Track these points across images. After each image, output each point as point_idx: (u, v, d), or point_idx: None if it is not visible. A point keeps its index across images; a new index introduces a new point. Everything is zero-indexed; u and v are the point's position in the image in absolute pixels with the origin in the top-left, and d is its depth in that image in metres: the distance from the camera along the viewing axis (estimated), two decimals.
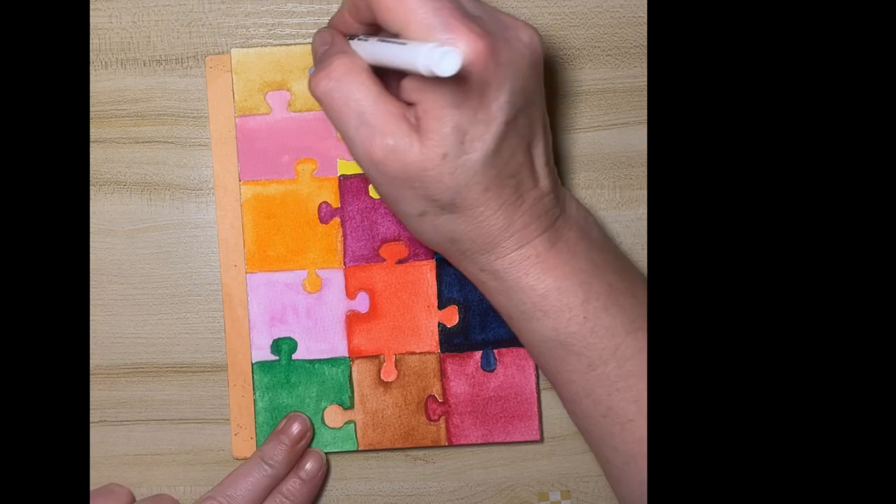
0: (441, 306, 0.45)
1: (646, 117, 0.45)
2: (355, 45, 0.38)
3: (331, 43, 0.39)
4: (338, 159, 0.45)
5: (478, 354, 0.45)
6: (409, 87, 0.36)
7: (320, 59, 0.38)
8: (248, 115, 0.45)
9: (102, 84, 0.46)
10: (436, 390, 0.45)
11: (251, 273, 0.45)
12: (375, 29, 0.38)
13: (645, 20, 0.46)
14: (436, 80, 0.34)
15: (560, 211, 0.39)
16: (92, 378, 0.46)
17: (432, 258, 0.45)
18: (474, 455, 0.46)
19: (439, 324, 0.45)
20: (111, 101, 0.46)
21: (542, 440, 0.46)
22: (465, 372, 0.45)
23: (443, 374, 0.45)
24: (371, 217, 0.45)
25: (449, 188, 0.36)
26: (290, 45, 0.45)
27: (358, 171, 0.45)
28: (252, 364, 0.45)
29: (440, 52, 0.31)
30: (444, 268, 0.45)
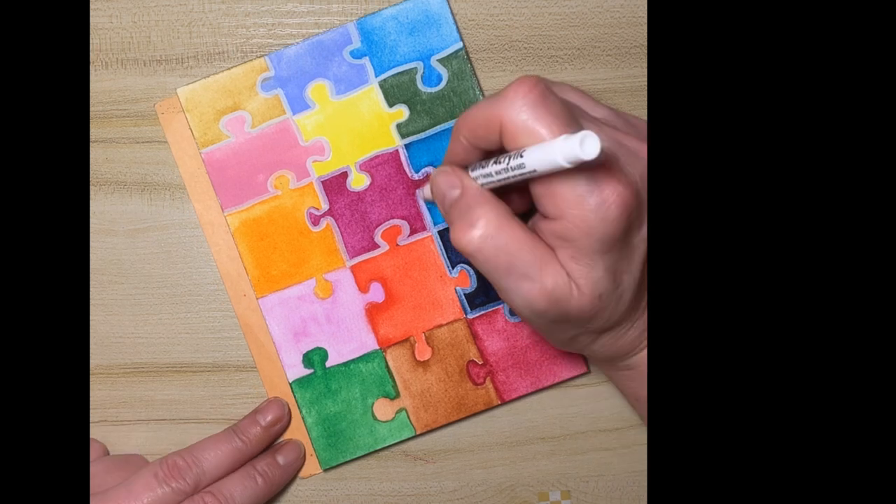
0: (453, 273, 0.45)
1: (646, 117, 0.45)
2: (478, 174, 0.37)
3: (461, 186, 0.38)
4: (311, 163, 0.45)
5: (502, 308, 0.45)
6: (548, 233, 0.36)
7: (461, 211, 0.37)
8: (212, 146, 0.45)
9: (102, 84, 0.46)
10: (473, 354, 0.45)
11: (262, 297, 0.45)
12: (487, 155, 0.38)
13: (645, 20, 0.46)
14: (585, 227, 0.34)
15: None
16: (92, 378, 0.46)
17: (429, 230, 0.45)
18: (474, 455, 0.46)
19: (456, 290, 0.45)
20: (111, 101, 0.46)
21: (589, 371, 0.46)
22: (496, 328, 0.45)
23: (475, 336, 0.45)
24: (359, 208, 0.45)
25: (604, 320, 0.37)
26: (231, 68, 0.45)
27: (333, 168, 0.45)
28: (290, 384, 0.45)
29: (578, 138, 0.31)
30: (446, 235, 0.45)
